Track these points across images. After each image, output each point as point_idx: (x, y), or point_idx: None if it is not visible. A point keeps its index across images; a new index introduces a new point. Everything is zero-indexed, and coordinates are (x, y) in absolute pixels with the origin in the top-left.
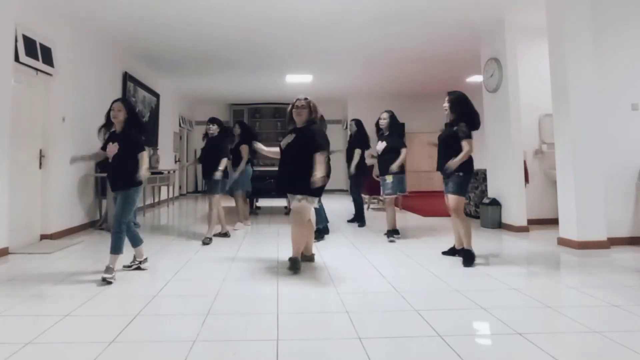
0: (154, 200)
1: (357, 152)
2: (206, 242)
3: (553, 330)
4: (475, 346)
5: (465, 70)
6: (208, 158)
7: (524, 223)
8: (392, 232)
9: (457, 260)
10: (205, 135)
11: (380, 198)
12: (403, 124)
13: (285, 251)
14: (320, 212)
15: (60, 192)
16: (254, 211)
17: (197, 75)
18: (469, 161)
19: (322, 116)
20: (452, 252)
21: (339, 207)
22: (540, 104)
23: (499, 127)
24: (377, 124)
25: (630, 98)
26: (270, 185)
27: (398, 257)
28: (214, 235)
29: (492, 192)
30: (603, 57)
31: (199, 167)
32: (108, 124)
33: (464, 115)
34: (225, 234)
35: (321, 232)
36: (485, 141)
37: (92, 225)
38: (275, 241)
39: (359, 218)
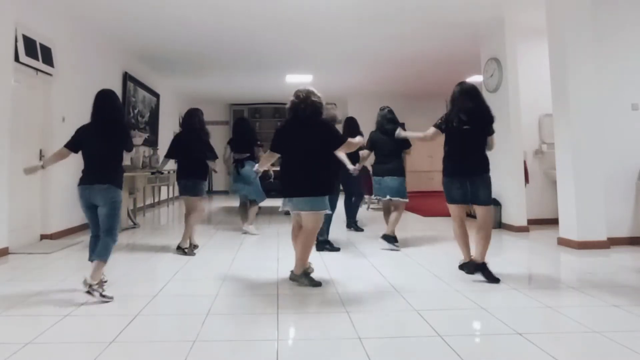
0: (154, 200)
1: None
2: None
3: (553, 330)
4: (475, 346)
5: (465, 70)
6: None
7: (524, 223)
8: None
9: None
10: (191, 126)
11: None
12: (404, 123)
13: (285, 250)
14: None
15: (60, 192)
16: None
17: (197, 75)
18: None
19: None
20: (481, 267)
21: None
22: (540, 104)
23: (498, 127)
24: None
25: (630, 98)
26: (270, 185)
27: (398, 257)
28: (180, 248)
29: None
30: (603, 57)
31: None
32: None
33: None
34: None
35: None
36: None
37: None
38: (276, 241)
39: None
